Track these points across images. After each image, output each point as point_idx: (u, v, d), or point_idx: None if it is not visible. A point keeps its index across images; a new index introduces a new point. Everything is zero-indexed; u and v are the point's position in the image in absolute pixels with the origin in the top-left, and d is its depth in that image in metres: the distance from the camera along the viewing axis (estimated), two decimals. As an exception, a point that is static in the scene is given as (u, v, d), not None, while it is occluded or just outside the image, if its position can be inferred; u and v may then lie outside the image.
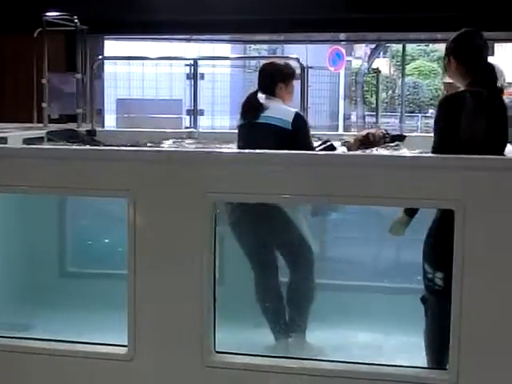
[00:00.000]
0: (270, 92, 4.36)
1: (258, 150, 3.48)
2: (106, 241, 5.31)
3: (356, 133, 4.70)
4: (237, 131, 4.44)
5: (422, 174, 3.16)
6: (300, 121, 4.25)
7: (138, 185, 3.41)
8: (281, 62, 4.61)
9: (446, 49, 3.71)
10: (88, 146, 4.64)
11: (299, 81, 5.48)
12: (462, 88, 3.59)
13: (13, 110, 7.57)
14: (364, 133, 4.60)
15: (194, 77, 6.14)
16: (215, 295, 3.42)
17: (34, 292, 4.75)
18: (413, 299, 3.73)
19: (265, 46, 18.32)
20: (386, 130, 4.64)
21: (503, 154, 3.53)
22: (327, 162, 3.37)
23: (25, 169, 3.53)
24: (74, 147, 4.09)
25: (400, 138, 4.63)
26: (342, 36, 10.95)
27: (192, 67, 13.76)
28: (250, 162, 3.40)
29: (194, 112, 5.98)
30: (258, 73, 4.56)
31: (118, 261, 4.88)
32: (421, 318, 3.60)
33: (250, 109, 4.36)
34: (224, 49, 14.06)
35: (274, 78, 4.39)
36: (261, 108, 4.30)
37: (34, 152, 3.77)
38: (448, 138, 3.44)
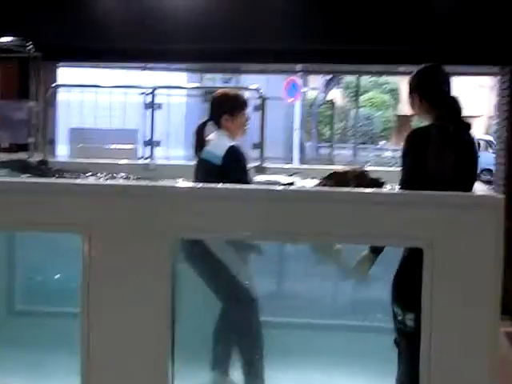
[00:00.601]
0: (217, 123, 4.23)
1: (217, 185, 3.36)
2: (57, 276, 5.13)
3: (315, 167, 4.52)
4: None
5: (389, 211, 3.06)
6: (232, 155, 4.06)
7: (94, 220, 3.25)
8: (232, 91, 4.41)
9: (409, 85, 3.69)
10: (39, 178, 4.43)
11: (259, 112, 5.40)
12: (427, 122, 3.56)
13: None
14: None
15: (151, 106, 5.99)
16: (174, 336, 3.26)
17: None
18: (376, 338, 3.64)
19: (219, 76, 18.32)
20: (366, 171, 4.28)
21: (472, 189, 3.50)
22: (287, 198, 3.24)
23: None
24: (24, 179, 3.89)
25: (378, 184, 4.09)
26: (298, 67, 10.96)
27: (147, 96, 13.67)
28: (209, 197, 3.26)
29: (151, 143, 5.83)
30: None
31: (70, 298, 4.72)
32: (387, 358, 3.49)
33: (196, 143, 4.25)
34: (180, 77, 13.98)
35: (220, 108, 4.23)
36: (204, 142, 4.19)
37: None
38: (416, 172, 3.39)
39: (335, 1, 7.10)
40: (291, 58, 7.76)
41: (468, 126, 3.59)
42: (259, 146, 5.41)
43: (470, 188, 3.50)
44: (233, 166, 4.04)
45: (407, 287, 3.36)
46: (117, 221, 3.25)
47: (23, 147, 6.49)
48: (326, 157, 16.23)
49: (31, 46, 6.09)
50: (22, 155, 5.92)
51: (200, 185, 3.64)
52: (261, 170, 5.33)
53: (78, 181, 3.85)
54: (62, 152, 7.36)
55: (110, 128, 11.26)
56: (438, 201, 3.04)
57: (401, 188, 3.37)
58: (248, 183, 4.04)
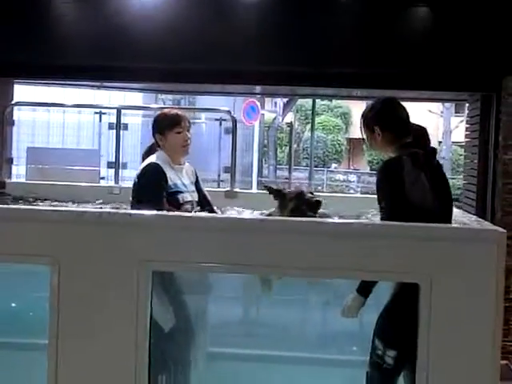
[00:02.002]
0: (157, 144, 4.14)
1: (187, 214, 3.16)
2: (13, 305, 4.85)
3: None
4: None
5: (384, 243, 2.88)
6: (141, 174, 3.98)
7: (63, 250, 3.00)
8: (168, 111, 4.29)
9: (367, 120, 3.63)
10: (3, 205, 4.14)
11: (230, 134, 5.22)
12: (391, 154, 3.53)
13: None
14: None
15: (116, 127, 5.73)
16: (149, 372, 3.04)
17: None
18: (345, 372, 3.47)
19: (169, 97, 18.12)
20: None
21: (451, 214, 3.50)
22: (265, 228, 3.04)
23: None
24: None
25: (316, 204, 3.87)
26: (257, 89, 10.86)
27: (109, 116, 13.37)
28: (178, 227, 3.05)
29: (116, 165, 5.55)
30: None
31: (28, 328, 4.44)
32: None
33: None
34: (135, 97, 13.71)
35: (153, 128, 4.18)
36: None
37: None
38: (396, 203, 3.31)
39: (294, 24, 7.04)
40: (250, 79, 7.68)
41: (434, 151, 3.63)
42: (230, 169, 5.19)
43: (449, 213, 3.49)
44: (139, 185, 3.96)
45: (394, 324, 3.28)
46: (87, 251, 3.01)
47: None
48: (283, 179, 16.17)
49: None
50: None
51: (166, 213, 3.40)
52: (231, 195, 5.14)
53: (45, 207, 3.58)
54: (20, 172, 7.04)
55: (69, 148, 10.92)
56: (437, 234, 2.89)
57: (386, 220, 3.26)
58: (157, 204, 3.79)
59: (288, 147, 21.37)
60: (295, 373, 4.25)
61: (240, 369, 4.20)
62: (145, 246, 3.00)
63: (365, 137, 3.66)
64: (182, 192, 4.08)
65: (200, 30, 6.98)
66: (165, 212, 3.45)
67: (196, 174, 4.32)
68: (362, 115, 3.69)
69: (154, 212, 3.19)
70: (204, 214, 3.69)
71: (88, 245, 3.02)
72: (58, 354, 3.02)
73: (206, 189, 4.43)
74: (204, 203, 4.22)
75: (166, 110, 4.32)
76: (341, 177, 26.67)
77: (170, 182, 4.02)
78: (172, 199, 3.98)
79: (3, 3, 7.09)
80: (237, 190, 5.25)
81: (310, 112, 21.28)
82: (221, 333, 4.28)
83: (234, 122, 5.13)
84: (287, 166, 19.83)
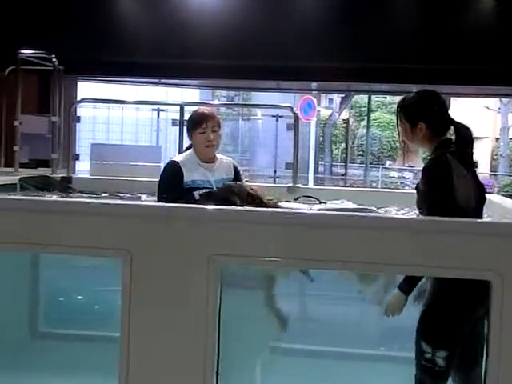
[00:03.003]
0: None
1: (263, 209, 3.18)
2: (80, 297, 4.96)
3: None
4: None
5: (456, 240, 2.86)
6: (161, 172, 4.32)
7: (135, 244, 3.06)
8: (198, 110, 4.41)
9: (408, 113, 3.56)
10: (76, 199, 4.24)
11: (289, 131, 5.22)
12: (427, 150, 3.53)
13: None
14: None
15: (179, 123, 5.79)
16: (218, 367, 3.07)
17: (1, 354, 4.31)
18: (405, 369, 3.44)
19: (224, 93, 18.23)
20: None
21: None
22: (335, 224, 3.04)
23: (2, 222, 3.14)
24: (60, 199, 3.69)
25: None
26: (312, 85, 10.88)
27: (158, 112, 13.52)
28: (248, 221, 3.07)
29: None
30: None
31: (94, 321, 4.53)
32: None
33: None
34: (192, 93, 13.82)
35: (186, 127, 4.43)
36: None
37: (12, 204, 3.37)
38: (445, 203, 3.27)
39: (350, 21, 7.04)
40: (305, 76, 7.71)
41: (472, 148, 3.56)
42: (292, 166, 5.20)
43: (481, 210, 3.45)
44: (160, 181, 4.25)
45: (440, 323, 3.20)
46: (158, 244, 3.06)
47: (43, 162, 6.33)
48: (338, 176, 16.13)
49: (55, 60, 5.92)
50: (44, 171, 5.75)
51: (235, 208, 3.43)
52: (293, 190, 5.15)
53: (117, 202, 3.65)
54: (83, 168, 7.18)
55: (132, 144, 11.03)
56: (504, 230, 2.84)
57: None
58: (171, 199, 3.91)
59: (343, 144, 21.25)
60: (359, 370, 4.24)
61: (308, 365, 4.19)
62: (214, 241, 3.03)
63: (401, 129, 3.59)
64: (200, 188, 4.21)
65: (258, 28, 7.04)
66: (234, 207, 3.47)
67: (236, 170, 4.42)
68: (402, 107, 3.61)
69: (224, 207, 3.22)
70: (273, 208, 3.69)
71: (159, 239, 3.07)
72: (130, 346, 3.07)
73: (266, 184, 4.49)
74: None
75: (199, 109, 4.42)
76: (395, 174, 26.38)
77: (186, 179, 4.23)
78: (187, 195, 4.14)
79: (67, 3, 7.26)
80: (299, 185, 5.26)
81: (365, 108, 21.12)
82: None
83: (296, 118, 5.13)
84: (342, 163, 19.71)
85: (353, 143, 25.71)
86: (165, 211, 3.15)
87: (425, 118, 3.49)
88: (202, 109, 4.41)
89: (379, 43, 6.98)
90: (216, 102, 11.56)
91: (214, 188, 4.24)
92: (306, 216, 3.11)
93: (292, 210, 3.22)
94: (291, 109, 5.30)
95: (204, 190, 4.17)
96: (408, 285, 3.27)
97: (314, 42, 6.97)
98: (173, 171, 4.27)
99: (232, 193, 3.91)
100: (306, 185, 10.89)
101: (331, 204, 4.24)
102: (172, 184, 4.23)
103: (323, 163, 16.85)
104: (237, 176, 4.42)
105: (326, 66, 7.22)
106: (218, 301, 3.05)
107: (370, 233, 2.92)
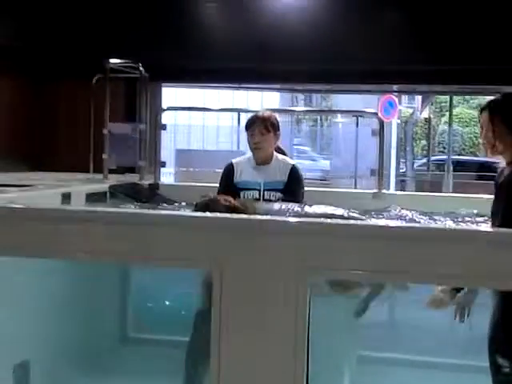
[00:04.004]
0: None
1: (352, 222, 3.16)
2: (167, 303, 5.04)
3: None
4: None
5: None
6: None
7: (224, 256, 3.09)
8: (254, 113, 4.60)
9: (494, 117, 3.35)
10: (170, 211, 4.31)
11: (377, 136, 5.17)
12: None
13: (68, 158, 7.38)
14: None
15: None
16: (308, 380, 3.07)
17: (93, 359, 4.43)
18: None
19: (301, 95, 18.22)
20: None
21: None
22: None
23: (94, 234, 3.22)
24: (150, 211, 3.77)
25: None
26: (392, 87, 10.76)
27: (239, 117, 13.55)
28: (337, 234, 3.04)
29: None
30: None
31: (183, 326, 4.60)
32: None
33: None
34: (273, 96, 13.88)
35: None
36: None
37: (104, 216, 3.45)
38: None
39: (429, 24, 6.94)
40: (388, 79, 7.64)
41: None
42: (377, 172, 5.15)
43: None
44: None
45: None
46: (249, 256, 3.08)
47: (129, 169, 6.47)
48: (421, 172, 15.95)
49: (142, 68, 6.05)
50: (131, 178, 5.88)
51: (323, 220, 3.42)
52: (379, 196, 5.10)
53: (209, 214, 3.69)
54: (166, 174, 7.30)
55: (214, 149, 11.11)
56: None
57: None
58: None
59: (425, 141, 20.90)
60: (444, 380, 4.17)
61: (388, 373, 4.16)
62: (303, 254, 3.02)
63: (495, 132, 3.35)
64: (247, 189, 4.40)
65: (339, 32, 7.01)
66: (323, 219, 3.47)
67: (292, 175, 4.43)
68: (501, 108, 3.39)
69: (310, 219, 3.22)
70: (362, 222, 3.67)
71: (249, 250, 3.09)
72: (221, 355, 3.10)
73: (347, 190, 4.51)
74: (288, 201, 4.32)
75: (256, 112, 4.60)
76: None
77: (238, 179, 4.46)
78: (237, 194, 4.36)
79: (151, 14, 7.39)
80: (384, 191, 5.21)
81: (446, 104, 20.71)
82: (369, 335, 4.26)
83: (381, 123, 5.08)
84: (424, 161, 19.45)
85: (433, 139, 25.22)
86: (255, 223, 3.16)
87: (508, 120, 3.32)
88: (259, 112, 4.56)
89: (458, 46, 6.87)
90: (296, 108, 11.55)
91: (261, 190, 4.39)
92: (395, 229, 3.07)
93: (382, 223, 3.17)
94: (375, 114, 5.24)
95: (251, 192, 4.37)
96: None
97: (394, 45, 6.91)
98: (225, 172, 4.55)
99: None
100: (388, 189, 10.78)
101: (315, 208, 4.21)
102: (223, 183, 4.52)
103: (405, 161, 16.70)
104: (290, 181, 4.43)
105: (407, 69, 7.15)
106: (307, 313, 3.05)
107: (449, 245, 2.87)
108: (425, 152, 20.31)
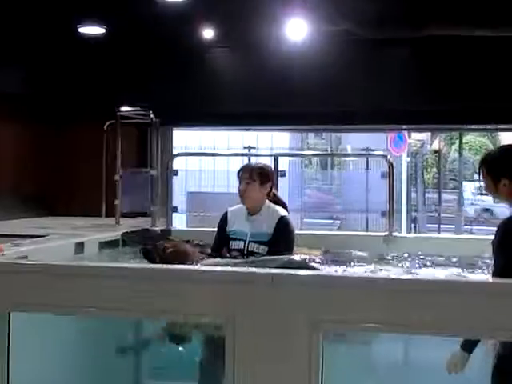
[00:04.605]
0: None
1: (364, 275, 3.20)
2: (181, 348, 5.04)
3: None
4: None
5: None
6: None
7: (239, 308, 3.12)
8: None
9: (492, 169, 3.53)
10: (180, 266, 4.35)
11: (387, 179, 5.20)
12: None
13: (81, 202, 7.46)
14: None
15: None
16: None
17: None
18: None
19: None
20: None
21: None
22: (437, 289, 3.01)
23: (107, 289, 3.28)
24: (164, 267, 3.81)
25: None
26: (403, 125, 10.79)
27: (249, 159, 13.48)
28: (349, 286, 3.08)
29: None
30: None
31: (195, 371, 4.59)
32: None
33: None
34: (283, 136, 13.95)
35: None
36: None
37: (117, 271, 3.49)
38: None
39: (435, 66, 7.03)
40: (398, 119, 7.73)
41: None
42: (387, 215, 5.18)
43: None
44: None
45: None
46: (262, 310, 3.11)
47: (142, 212, 6.53)
48: (433, 202, 15.94)
49: (152, 115, 6.14)
50: (144, 222, 5.93)
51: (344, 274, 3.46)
52: (390, 239, 5.12)
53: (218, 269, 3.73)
54: (177, 218, 7.34)
55: (225, 192, 11.10)
56: None
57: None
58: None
59: (435, 171, 20.89)
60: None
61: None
62: (317, 306, 3.05)
63: (486, 184, 3.58)
64: (235, 239, 4.48)
65: (347, 75, 7.09)
66: (333, 273, 3.50)
67: (278, 226, 4.40)
68: (485, 162, 3.61)
69: (324, 273, 3.26)
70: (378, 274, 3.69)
71: (261, 304, 3.12)
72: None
73: (358, 233, 4.50)
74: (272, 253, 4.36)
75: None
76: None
77: (229, 228, 4.55)
78: (227, 243, 4.50)
79: (160, 59, 7.51)
80: (395, 234, 5.22)
81: (455, 132, 20.71)
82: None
83: (391, 166, 5.11)
84: (434, 189, 19.46)
85: (444, 167, 25.14)
86: (268, 276, 3.20)
87: (508, 174, 3.47)
88: (252, 162, 4.92)
89: (470, 83, 6.93)
90: (307, 152, 11.64)
91: (247, 241, 4.45)
92: (408, 281, 3.11)
93: (394, 277, 3.20)
94: (385, 157, 5.28)
95: (238, 243, 4.46)
96: (468, 344, 3.29)
97: (402, 87, 6.98)
98: (221, 220, 4.67)
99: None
100: (400, 228, 10.74)
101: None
102: (217, 231, 4.66)
103: (415, 191, 16.77)
104: (276, 232, 4.38)
105: (415, 109, 7.22)
106: (320, 365, 3.07)
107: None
108: (435, 180, 20.31)
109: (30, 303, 3.32)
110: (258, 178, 4.46)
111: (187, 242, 4.80)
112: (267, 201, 4.50)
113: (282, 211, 4.50)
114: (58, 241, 4.71)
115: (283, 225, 4.39)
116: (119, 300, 3.25)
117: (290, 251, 4.32)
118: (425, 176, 19.30)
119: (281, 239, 4.35)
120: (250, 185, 4.42)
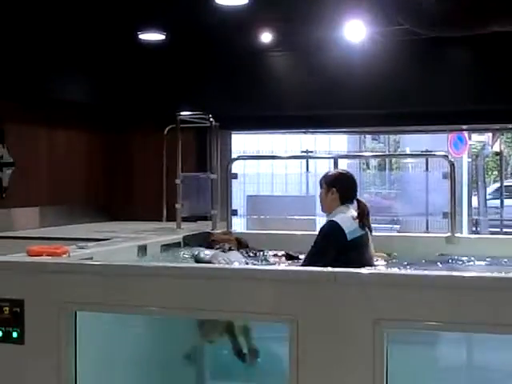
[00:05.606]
0: None
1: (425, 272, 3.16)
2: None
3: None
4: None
5: None
6: None
7: (301, 308, 3.12)
8: None
9: None
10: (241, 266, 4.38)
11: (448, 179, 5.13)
12: None
13: (142, 207, 7.57)
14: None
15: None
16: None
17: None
18: None
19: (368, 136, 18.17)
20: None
21: None
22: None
23: (168, 288, 3.32)
24: (223, 266, 3.84)
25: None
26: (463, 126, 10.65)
27: (307, 162, 13.56)
28: (419, 285, 3.04)
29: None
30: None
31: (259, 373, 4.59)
32: None
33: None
34: (340, 139, 13.90)
35: None
36: None
37: (181, 271, 3.53)
38: None
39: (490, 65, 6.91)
40: (457, 120, 7.62)
41: None
42: (449, 215, 5.10)
43: None
44: None
45: None
46: (326, 309, 3.11)
47: (202, 216, 6.58)
48: (494, 208, 15.65)
49: (212, 119, 6.18)
50: (204, 226, 5.98)
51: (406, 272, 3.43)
52: (452, 240, 5.04)
53: (284, 268, 3.75)
54: (236, 221, 7.38)
55: (284, 195, 11.13)
56: None
57: None
58: None
59: (498, 176, 20.48)
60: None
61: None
62: (379, 305, 3.03)
63: None
64: None
65: (405, 76, 7.04)
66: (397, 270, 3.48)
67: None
68: None
69: (386, 271, 3.24)
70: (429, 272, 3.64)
71: (324, 303, 3.12)
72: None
73: (420, 234, 4.43)
74: None
75: None
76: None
77: None
78: None
79: (217, 64, 7.59)
80: (458, 235, 5.14)
81: (517, 135, 20.27)
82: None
83: (452, 166, 5.03)
84: (496, 193, 19.11)
85: (505, 170, 24.60)
86: (329, 276, 3.19)
87: None
88: None
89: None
90: (364, 153, 11.61)
91: None
92: (472, 279, 3.05)
93: (456, 274, 3.16)
94: (446, 157, 5.20)
95: None
96: None
97: (461, 86, 6.89)
98: None
99: None
100: (461, 230, 10.55)
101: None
102: None
103: (477, 197, 16.45)
104: None
105: (475, 109, 7.12)
106: (384, 365, 3.05)
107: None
108: (497, 183, 19.95)
109: (94, 302, 3.39)
110: (324, 184, 4.61)
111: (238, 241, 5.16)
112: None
113: (337, 217, 4.49)
114: (121, 243, 4.79)
115: (321, 229, 4.53)
116: (180, 300, 3.30)
117: (320, 253, 4.37)
118: (486, 178, 18.97)
119: (314, 242, 4.46)
120: (320, 191, 4.63)
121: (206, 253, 4.78)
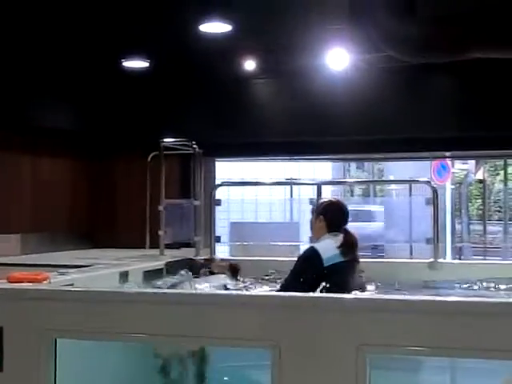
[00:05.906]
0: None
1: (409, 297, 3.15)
2: (226, 378, 4.99)
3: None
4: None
5: None
6: None
7: (283, 334, 3.10)
8: None
9: None
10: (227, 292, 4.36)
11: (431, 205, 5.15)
12: None
13: (125, 234, 7.52)
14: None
15: (317, 201, 5.86)
16: None
17: None
18: None
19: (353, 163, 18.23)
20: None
21: None
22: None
23: (150, 315, 3.29)
24: (204, 292, 3.81)
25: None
26: (446, 152, 10.70)
27: (291, 189, 13.60)
28: (393, 310, 3.03)
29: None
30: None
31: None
32: None
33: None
34: (325, 166, 13.95)
35: None
36: None
37: (163, 297, 3.51)
38: None
39: (471, 91, 6.97)
40: (441, 146, 7.65)
41: None
42: (432, 241, 5.11)
43: None
44: None
45: None
46: (307, 335, 3.08)
47: (186, 243, 6.56)
48: (476, 234, 15.72)
49: (195, 146, 6.19)
50: (187, 252, 5.95)
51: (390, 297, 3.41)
52: (435, 266, 5.05)
53: (261, 294, 3.74)
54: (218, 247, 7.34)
55: (268, 222, 11.14)
56: None
57: None
58: None
59: (480, 203, 20.60)
60: None
61: None
62: (362, 331, 3.02)
63: None
64: None
65: (389, 103, 7.08)
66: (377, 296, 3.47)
67: None
68: None
69: (368, 296, 3.22)
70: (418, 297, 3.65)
71: (306, 329, 3.09)
72: None
73: (403, 260, 4.43)
74: None
75: None
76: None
77: None
78: None
79: (200, 92, 7.61)
80: (441, 260, 5.15)
81: (500, 162, 20.44)
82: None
83: (435, 192, 5.06)
84: (479, 221, 19.19)
85: (489, 198, 24.73)
86: (310, 301, 3.18)
87: None
88: None
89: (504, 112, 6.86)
90: (348, 179, 11.66)
91: None
92: (455, 303, 3.05)
93: (440, 299, 3.15)
94: (429, 183, 5.22)
95: None
96: None
97: (444, 113, 6.94)
98: None
99: None
100: (445, 256, 10.57)
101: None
102: None
103: (460, 222, 16.56)
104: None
105: (459, 136, 7.17)
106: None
107: None
108: (480, 212, 20.03)
109: (74, 329, 3.35)
110: (315, 212, 4.75)
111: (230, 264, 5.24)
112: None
113: (317, 244, 4.59)
114: (103, 270, 4.75)
115: (301, 254, 4.59)
116: (162, 326, 3.27)
117: (295, 279, 4.42)
118: (469, 207, 19.08)
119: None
120: (311, 219, 4.77)
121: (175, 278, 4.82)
